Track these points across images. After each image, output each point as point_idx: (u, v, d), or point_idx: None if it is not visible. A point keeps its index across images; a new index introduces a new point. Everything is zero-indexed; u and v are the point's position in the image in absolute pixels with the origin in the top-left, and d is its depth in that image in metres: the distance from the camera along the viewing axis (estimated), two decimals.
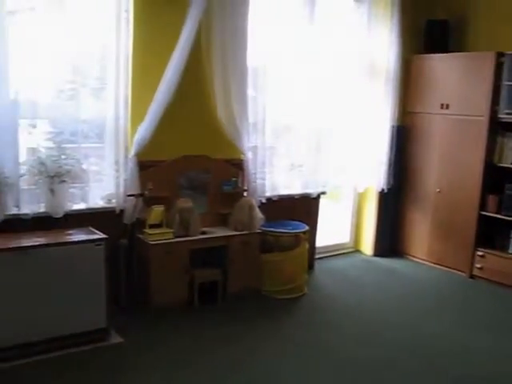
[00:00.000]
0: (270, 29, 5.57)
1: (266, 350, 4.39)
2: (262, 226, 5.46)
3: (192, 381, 3.86)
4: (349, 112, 6.54)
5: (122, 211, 4.88)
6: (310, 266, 6.32)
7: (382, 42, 6.49)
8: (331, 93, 6.26)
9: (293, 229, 5.60)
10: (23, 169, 4.43)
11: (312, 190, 6.22)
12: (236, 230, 5.30)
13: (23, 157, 4.49)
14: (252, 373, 3.99)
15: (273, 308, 5.25)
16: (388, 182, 6.86)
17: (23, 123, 4.45)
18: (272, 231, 5.49)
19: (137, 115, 4.84)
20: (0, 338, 3.90)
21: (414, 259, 7.04)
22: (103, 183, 4.84)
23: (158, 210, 4.88)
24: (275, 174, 5.94)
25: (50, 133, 4.56)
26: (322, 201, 6.53)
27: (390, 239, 7.25)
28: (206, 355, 4.23)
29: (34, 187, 4.47)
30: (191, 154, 5.21)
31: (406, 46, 6.62)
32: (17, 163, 4.35)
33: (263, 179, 5.71)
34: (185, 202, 5.01)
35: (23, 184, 4.43)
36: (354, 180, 6.83)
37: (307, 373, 4.05)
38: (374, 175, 6.79)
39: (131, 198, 4.83)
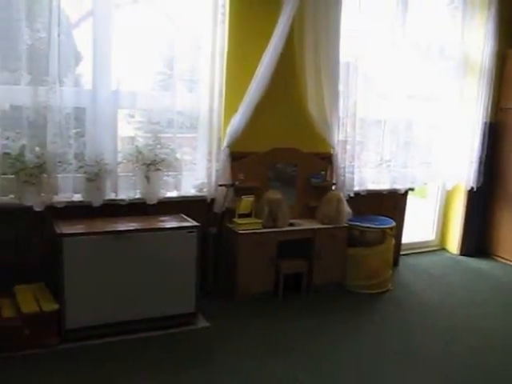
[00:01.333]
0: (361, 23, 5.57)
1: (348, 343, 4.40)
2: (349, 220, 5.46)
3: (273, 367, 3.93)
4: (440, 108, 6.43)
5: (212, 200, 5.02)
6: (395, 263, 6.28)
7: (477, 36, 6.33)
8: (422, 88, 6.18)
9: (379, 224, 5.57)
10: (121, 156, 4.63)
11: (400, 186, 6.16)
12: (323, 223, 5.33)
13: (121, 145, 4.68)
14: (330, 366, 4.01)
15: (356, 302, 5.26)
16: (478, 180, 6.70)
17: (122, 113, 4.65)
18: (358, 225, 5.49)
19: (230, 107, 4.95)
20: (95, 316, 4.12)
21: (502, 260, 6.85)
22: (196, 172, 4.98)
23: (247, 200, 4.99)
24: (363, 168, 5.92)
25: (147, 122, 4.72)
26: (408, 197, 6.46)
27: (478, 238, 7.08)
28: (288, 344, 4.29)
29: (130, 174, 4.66)
30: (281, 146, 5.27)
31: (502, 40, 6.43)
32: (115, 151, 4.56)
33: (352, 173, 5.71)
34: (274, 194, 5.09)
35: (121, 171, 4.64)
36: (442, 177, 6.71)
37: (388, 368, 4.04)
38: (464, 173, 6.65)
39: (222, 187, 4.94)
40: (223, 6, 4.79)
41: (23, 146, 4.20)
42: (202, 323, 4.53)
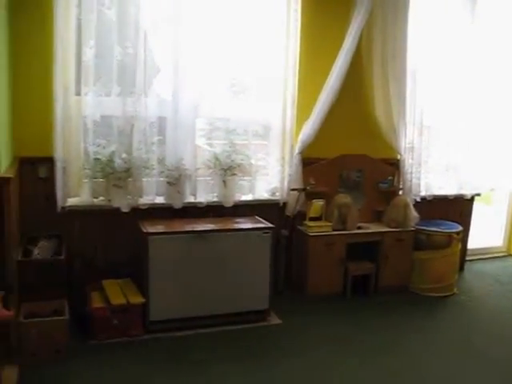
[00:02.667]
0: (428, 30, 5.71)
1: (411, 343, 4.54)
2: (416, 224, 5.61)
3: (343, 363, 4.13)
4: (508, 113, 6.46)
5: (284, 204, 5.28)
6: (461, 267, 6.33)
7: None
8: (488, 94, 6.22)
9: (446, 228, 5.69)
10: (199, 162, 4.95)
11: (467, 192, 6.26)
12: (390, 226, 5.51)
13: (199, 151, 5.00)
14: (393, 365, 4.15)
15: (421, 305, 5.37)
16: None
17: (200, 121, 4.96)
18: (425, 230, 5.63)
19: (302, 115, 5.21)
20: (176, 309, 4.47)
21: None
22: (269, 177, 5.26)
23: (318, 204, 5.24)
24: (430, 173, 6.05)
25: (224, 130, 5.02)
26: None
27: None
28: (355, 341, 4.49)
29: (208, 179, 4.98)
30: (350, 152, 5.49)
31: None
32: (194, 157, 4.88)
33: (418, 179, 5.85)
34: (344, 198, 5.31)
35: (199, 176, 4.96)
36: (510, 183, 6.74)
37: (452, 372, 4.11)
38: None
39: (294, 192, 5.20)
40: (296, 17, 5.05)
41: (112, 153, 4.60)
42: (275, 320, 4.79)
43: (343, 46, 5.20)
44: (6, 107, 4.02)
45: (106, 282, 4.58)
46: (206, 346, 4.31)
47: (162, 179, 4.82)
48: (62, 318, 3.96)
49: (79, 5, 4.41)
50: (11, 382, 3.57)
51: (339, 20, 5.24)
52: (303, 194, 5.22)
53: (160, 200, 4.87)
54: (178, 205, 4.83)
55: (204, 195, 4.97)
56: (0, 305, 3.23)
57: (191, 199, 4.93)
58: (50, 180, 4.51)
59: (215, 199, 5.00)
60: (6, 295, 3.44)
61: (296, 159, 5.21)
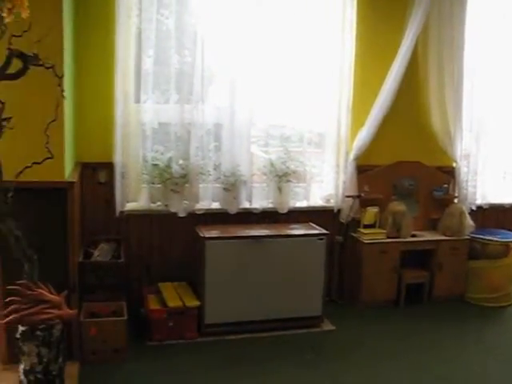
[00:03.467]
0: (486, 33, 5.63)
1: (465, 353, 4.48)
2: (471, 232, 5.54)
3: (391, 371, 4.10)
4: None
5: (339, 210, 5.29)
6: None
7: None
8: None
9: (502, 237, 5.60)
10: (255, 168, 5.02)
11: None
12: (445, 235, 5.46)
13: (255, 158, 5.07)
14: (447, 374, 4.09)
15: (476, 315, 5.29)
16: None
17: (255, 128, 5.03)
18: (481, 238, 5.55)
19: (357, 122, 5.21)
20: (230, 313, 4.54)
21: None
22: (323, 184, 5.28)
23: (372, 211, 5.24)
24: (486, 182, 5.95)
25: (279, 137, 5.07)
26: None
27: None
28: (408, 350, 4.46)
29: (264, 185, 5.04)
30: (405, 160, 5.46)
31: None
32: (250, 164, 4.95)
33: (474, 187, 5.78)
34: (398, 205, 5.29)
35: (254, 182, 5.03)
36: None
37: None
38: None
39: (348, 198, 5.21)
40: (351, 23, 5.07)
41: (170, 159, 4.71)
42: (328, 326, 4.81)
43: (399, 50, 5.19)
44: (71, 115, 4.16)
45: (162, 285, 4.68)
46: (260, 350, 4.36)
47: (217, 185, 4.91)
48: (121, 318, 4.07)
49: (139, 15, 4.55)
50: (73, 378, 3.71)
51: (395, 24, 5.22)
52: (357, 201, 5.23)
53: (216, 205, 4.96)
54: (233, 210, 4.90)
55: (259, 201, 5.03)
56: (64, 304, 3.35)
57: (246, 205, 5.00)
58: (110, 185, 4.65)
59: (270, 205, 5.05)
60: (69, 295, 3.56)
61: (351, 166, 5.22)
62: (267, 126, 5.05)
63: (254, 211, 5.00)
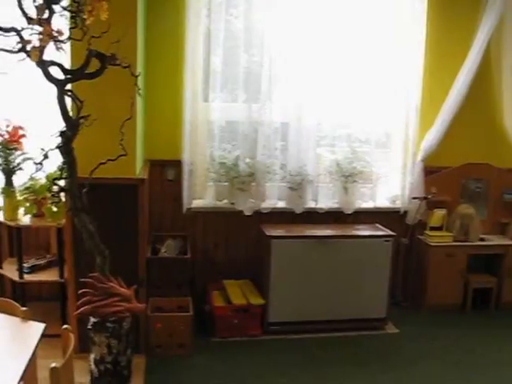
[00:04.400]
0: None
1: None
2: None
3: (455, 377, 4.02)
4: None
5: (405, 212, 5.22)
6: None
7: None
8: None
9: None
10: (321, 168, 5.01)
11: None
12: None
13: (321, 158, 5.05)
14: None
15: None
16: None
17: (322, 128, 5.00)
18: None
19: (425, 122, 5.12)
20: (294, 312, 4.56)
21: None
22: (390, 185, 5.21)
23: (439, 213, 5.14)
24: None
25: (346, 137, 5.03)
26: None
27: None
28: (473, 357, 4.34)
29: (330, 185, 5.02)
30: (474, 161, 5.33)
31: None
32: (316, 163, 4.94)
33: None
34: (466, 208, 5.18)
35: (320, 182, 5.01)
36: None
37: None
38: None
39: (415, 200, 5.13)
40: (421, 22, 4.97)
41: (237, 157, 4.75)
42: (391, 329, 4.76)
43: (471, 50, 5.07)
44: (141, 113, 4.26)
45: (226, 282, 4.73)
46: (322, 350, 4.36)
47: (283, 184, 4.92)
48: (186, 314, 4.14)
49: (209, 15, 4.60)
50: (139, 370, 3.81)
51: (466, 23, 5.10)
52: (424, 203, 5.14)
53: (281, 204, 4.97)
54: (299, 210, 4.91)
55: (325, 201, 5.00)
56: (133, 298, 3.44)
57: (312, 205, 4.99)
58: (177, 182, 4.73)
59: (335, 205, 5.02)
60: (138, 289, 3.66)
61: (418, 167, 5.13)
62: (334, 126, 5.01)
63: (320, 211, 4.99)
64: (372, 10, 4.89)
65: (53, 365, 2.25)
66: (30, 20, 2.61)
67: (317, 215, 4.99)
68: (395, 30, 4.98)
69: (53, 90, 2.96)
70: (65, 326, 2.64)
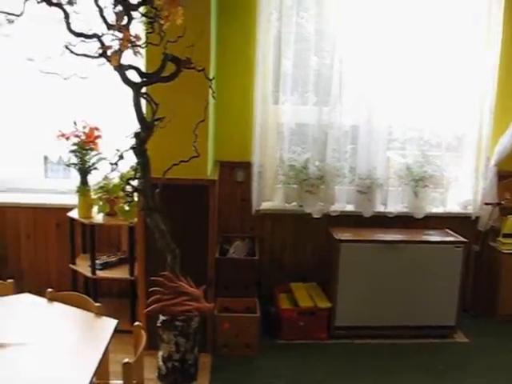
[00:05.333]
0: None
1: None
2: None
3: None
4: None
5: (477, 218, 5.08)
6: None
7: None
8: None
9: None
10: (391, 172, 4.95)
11: None
12: None
13: (391, 161, 4.98)
14: None
15: None
16: None
17: (391, 131, 4.95)
18: None
19: (500, 124, 4.97)
20: (360, 317, 4.53)
21: None
22: (461, 190, 5.09)
23: None
24: None
25: (417, 140, 4.94)
26: None
27: None
28: None
29: (400, 189, 4.95)
30: None
31: None
32: (386, 167, 4.89)
33: None
34: None
35: (390, 185, 4.96)
36: None
37: None
38: None
39: (488, 206, 4.99)
40: (496, 22, 4.80)
41: (307, 160, 4.76)
42: (461, 338, 4.65)
43: None
44: (212, 115, 4.32)
45: (293, 285, 4.74)
46: (389, 356, 4.31)
47: (352, 188, 4.90)
48: (254, 315, 4.18)
49: (280, 18, 4.62)
50: (206, 369, 3.88)
51: None
52: (497, 209, 5.00)
53: (350, 208, 4.95)
54: (368, 213, 4.87)
55: (394, 205, 4.94)
56: (202, 297, 3.49)
57: (381, 208, 4.94)
58: (246, 184, 4.78)
59: (405, 210, 4.95)
60: (207, 289, 3.71)
61: (491, 172, 4.99)
62: (404, 129, 4.94)
63: (389, 215, 4.93)
64: (445, 10, 4.78)
65: (126, 360, 2.32)
66: (110, 26, 2.69)
67: (386, 219, 4.93)
68: (469, 30, 4.85)
69: (127, 92, 3.05)
70: (136, 323, 2.71)
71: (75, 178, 4.50)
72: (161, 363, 3.50)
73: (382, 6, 4.64)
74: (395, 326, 4.56)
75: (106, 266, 4.47)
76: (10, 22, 2.40)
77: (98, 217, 4.38)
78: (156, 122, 3.03)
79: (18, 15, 2.47)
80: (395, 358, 4.28)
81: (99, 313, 2.82)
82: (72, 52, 2.65)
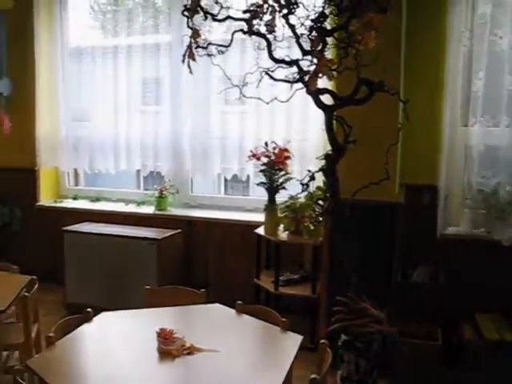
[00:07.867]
0: None
1: None
2: None
3: None
4: None
5: None
6: None
7: None
8: None
9: None
10: None
11: None
12: None
13: None
14: None
15: None
16: None
17: None
18: None
19: None
20: None
21: None
22: None
23: None
24: None
25: None
26: None
27: None
28: None
29: None
30: None
31: None
32: None
33: None
34: None
35: None
36: None
37: None
38: None
39: None
40: None
41: (497, 184, 4.54)
42: None
43: None
44: (400, 137, 4.29)
45: (478, 316, 4.52)
46: None
47: None
48: (434, 343, 4.05)
49: (471, 37, 4.49)
50: None
51: None
52: None
53: None
54: None
55: None
56: (385, 320, 3.47)
57: None
58: (432, 207, 4.66)
59: None
60: (390, 312, 3.68)
61: None
62: None
63: None
64: None
65: (312, 376, 2.37)
66: (306, 52, 2.80)
67: None
68: None
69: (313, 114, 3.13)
70: (322, 341, 2.76)
71: (254, 195, 4.69)
72: (339, 383, 3.53)
73: None
74: None
75: (288, 282, 4.59)
76: (221, 52, 2.58)
77: (283, 234, 4.52)
78: (349, 145, 3.09)
79: (227, 46, 2.65)
80: None
81: (284, 327, 2.91)
82: (271, 77, 2.79)
